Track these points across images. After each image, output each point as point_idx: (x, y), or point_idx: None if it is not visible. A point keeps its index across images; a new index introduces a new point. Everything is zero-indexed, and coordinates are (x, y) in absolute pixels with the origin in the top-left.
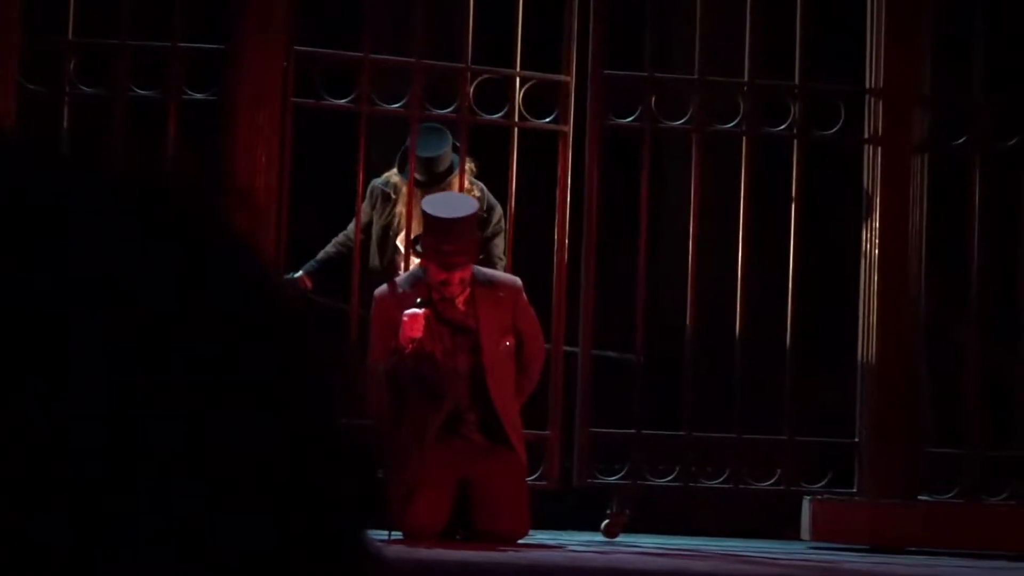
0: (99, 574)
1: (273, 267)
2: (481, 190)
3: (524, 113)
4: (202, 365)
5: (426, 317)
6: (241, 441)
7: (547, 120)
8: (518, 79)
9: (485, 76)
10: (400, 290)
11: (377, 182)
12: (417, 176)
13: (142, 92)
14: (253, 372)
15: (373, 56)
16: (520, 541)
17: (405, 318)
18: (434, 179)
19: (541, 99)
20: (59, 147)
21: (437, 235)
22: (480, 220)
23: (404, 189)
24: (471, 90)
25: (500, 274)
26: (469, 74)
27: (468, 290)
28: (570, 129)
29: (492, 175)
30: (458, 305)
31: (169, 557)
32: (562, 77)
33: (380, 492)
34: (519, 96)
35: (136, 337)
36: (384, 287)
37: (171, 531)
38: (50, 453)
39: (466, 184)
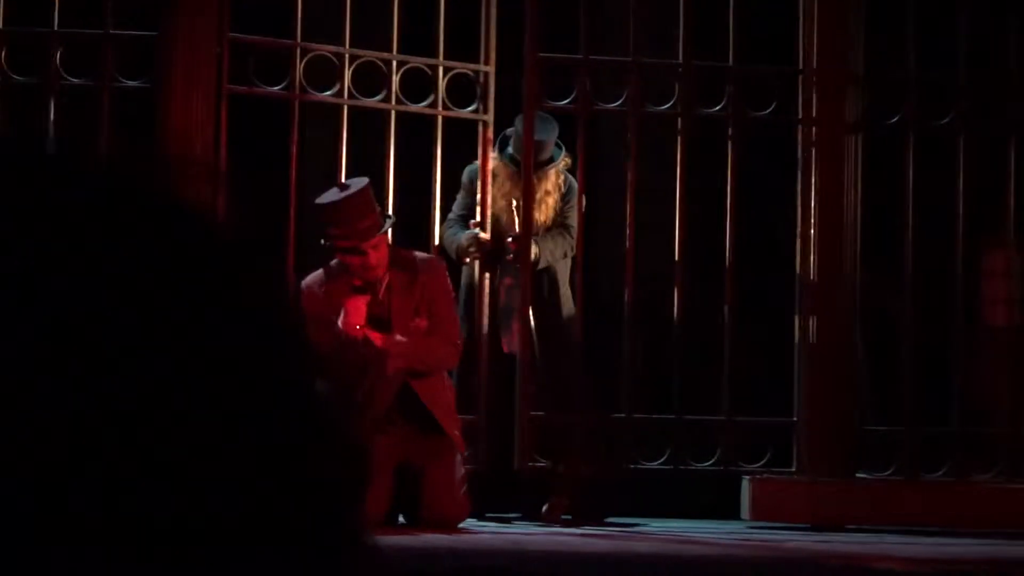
0: (102, 566)
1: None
2: (570, 186)
3: (447, 102)
4: (194, 361)
5: (365, 303)
6: (232, 430)
7: (469, 109)
8: (441, 68)
9: (410, 65)
10: (318, 283)
11: (470, 168)
12: (516, 156)
13: (75, 80)
14: (241, 359)
15: (304, 44)
16: (461, 525)
17: (346, 305)
18: (535, 165)
19: (469, 88)
20: (42, 145)
21: (338, 221)
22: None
23: (502, 172)
24: (397, 79)
25: (420, 254)
26: (395, 63)
27: (386, 276)
28: (491, 118)
29: (420, 164)
30: (378, 293)
31: (168, 548)
32: (482, 67)
33: (367, 475)
34: (443, 85)
35: (125, 332)
36: (309, 279)
37: (172, 525)
38: (52, 451)
39: (558, 178)
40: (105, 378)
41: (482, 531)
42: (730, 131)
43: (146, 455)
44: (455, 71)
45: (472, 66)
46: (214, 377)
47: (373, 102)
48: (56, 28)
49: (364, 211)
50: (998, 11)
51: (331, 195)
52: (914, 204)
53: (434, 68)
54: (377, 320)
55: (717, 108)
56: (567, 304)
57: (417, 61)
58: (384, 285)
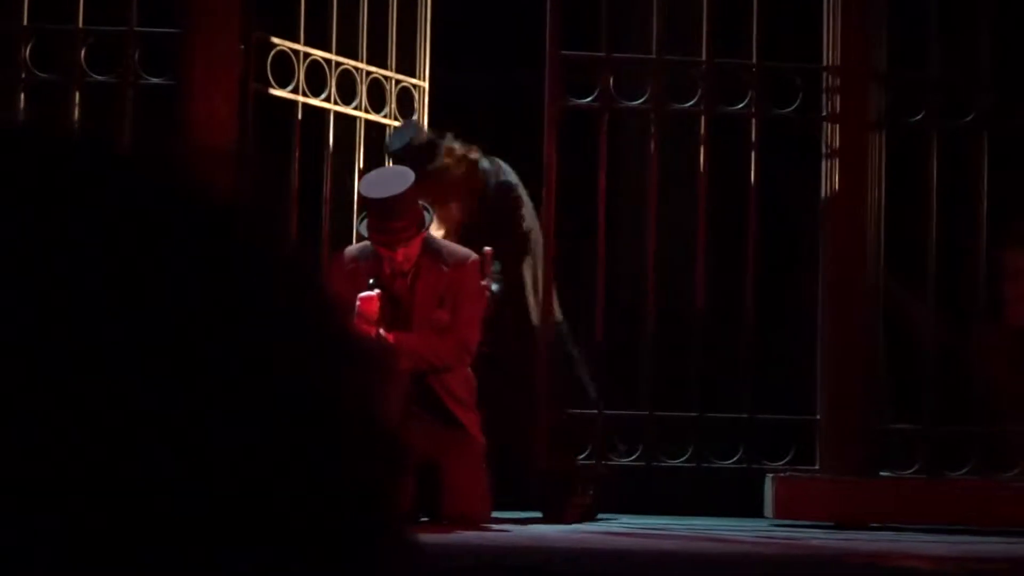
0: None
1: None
2: (484, 172)
3: (397, 113)
4: (244, 373)
5: (380, 298)
6: (273, 430)
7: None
8: (393, 80)
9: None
10: (352, 258)
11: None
12: None
13: (99, 77)
14: (282, 358)
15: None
16: (485, 523)
17: (360, 301)
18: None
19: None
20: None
21: (377, 215)
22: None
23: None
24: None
25: (454, 247)
26: (364, 73)
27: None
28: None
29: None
30: (405, 278)
31: (212, 549)
32: (417, 81)
33: (405, 473)
34: (393, 96)
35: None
36: (343, 254)
37: (219, 525)
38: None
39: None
40: (147, 375)
41: (504, 529)
42: (753, 128)
43: (191, 454)
44: (402, 84)
45: (411, 80)
46: (256, 377)
47: (349, 109)
48: (80, 25)
49: (403, 212)
50: (1021, 8)
51: (376, 187)
52: (937, 202)
53: (387, 79)
54: (396, 302)
55: (740, 105)
56: (534, 311)
57: (377, 72)
58: (412, 271)
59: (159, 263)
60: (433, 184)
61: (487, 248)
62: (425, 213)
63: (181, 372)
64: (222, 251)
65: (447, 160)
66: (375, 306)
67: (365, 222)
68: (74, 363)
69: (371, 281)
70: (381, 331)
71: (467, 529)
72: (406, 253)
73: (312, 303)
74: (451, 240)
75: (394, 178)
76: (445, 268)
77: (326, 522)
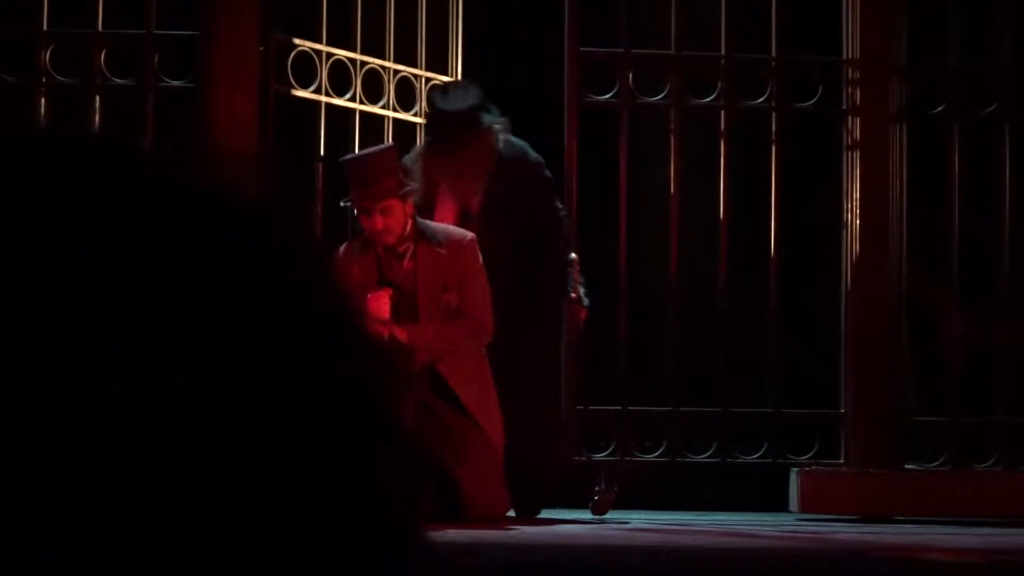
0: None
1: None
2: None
3: (396, 106)
4: (261, 370)
5: (391, 297)
6: (295, 431)
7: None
8: (423, 78)
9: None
10: (353, 250)
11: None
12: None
13: (118, 81)
14: (307, 371)
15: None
16: (510, 518)
17: (369, 300)
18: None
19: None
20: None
21: (352, 178)
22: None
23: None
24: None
25: (451, 228)
26: (392, 72)
27: (411, 247)
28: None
29: None
30: (404, 265)
31: (228, 545)
32: (448, 79)
33: (423, 482)
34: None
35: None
36: (342, 248)
37: (235, 524)
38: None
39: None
40: (175, 377)
41: (527, 525)
42: (773, 122)
43: (210, 454)
44: (433, 82)
45: (443, 78)
46: (277, 379)
47: (376, 108)
48: (100, 29)
49: (382, 174)
50: None
51: (354, 155)
52: (959, 194)
53: (417, 78)
54: (402, 293)
55: (760, 100)
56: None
57: (405, 71)
58: (409, 255)
59: (173, 264)
60: (473, 153)
61: (573, 255)
62: (409, 183)
63: (201, 374)
64: (239, 253)
65: (492, 128)
66: (386, 305)
67: (349, 200)
68: (95, 365)
69: (378, 280)
70: (393, 331)
71: (488, 526)
72: (386, 223)
73: (331, 305)
74: (475, 216)
75: (373, 148)
76: (442, 250)
77: (340, 523)
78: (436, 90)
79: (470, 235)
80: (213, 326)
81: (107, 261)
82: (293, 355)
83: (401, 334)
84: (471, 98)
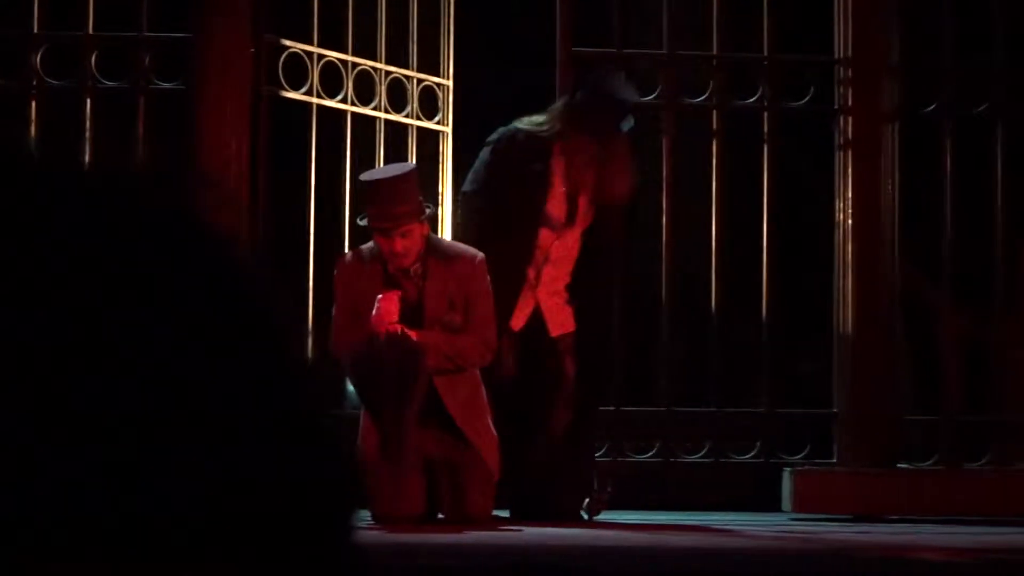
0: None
1: (252, 260)
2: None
3: (419, 113)
4: (179, 358)
5: (400, 299)
6: (217, 432)
7: (435, 120)
8: (415, 80)
9: (394, 76)
10: (359, 260)
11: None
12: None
13: (110, 83)
14: (226, 364)
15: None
16: (503, 519)
17: (379, 302)
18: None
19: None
20: (28, 146)
21: (375, 202)
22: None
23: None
24: (384, 89)
25: (461, 246)
26: (383, 73)
27: (419, 264)
28: (450, 129)
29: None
30: (411, 279)
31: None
32: (441, 80)
33: (357, 478)
34: (415, 96)
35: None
36: (348, 255)
37: (156, 524)
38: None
39: None
40: (99, 380)
41: (520, 527)
42: (766, 122)
43: (139, 456)
44: (425, 83)
45: (435, 79)
46: (206, 383)
47: (368, 111)
48: (90, 31)
49: (403, 196)
50: None
51: (375, 173)
52: (952, 192)
53: (409, 79)
54: (408, 308)
55: (752, 100)
56: None
57: (397, 72)
58: (419, 273)
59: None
60: (620, 148)
61: None
62: (427, 207)
63: (137, 379)
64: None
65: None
66: (395, 306)
67: (367, 218)
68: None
69: (390, 274)
70: (404, 330)
71: (481, 528)
72: (405, 245)
73: (248, 308)
74: (581, 212)
75: (395, 166)
76: (454, 268)
77: (270, 527)
78: (608, 74)
79: (480, 255)
80: (118, 329)
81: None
82: (204, 358)
83: (412, 334)
84: (631, 94)
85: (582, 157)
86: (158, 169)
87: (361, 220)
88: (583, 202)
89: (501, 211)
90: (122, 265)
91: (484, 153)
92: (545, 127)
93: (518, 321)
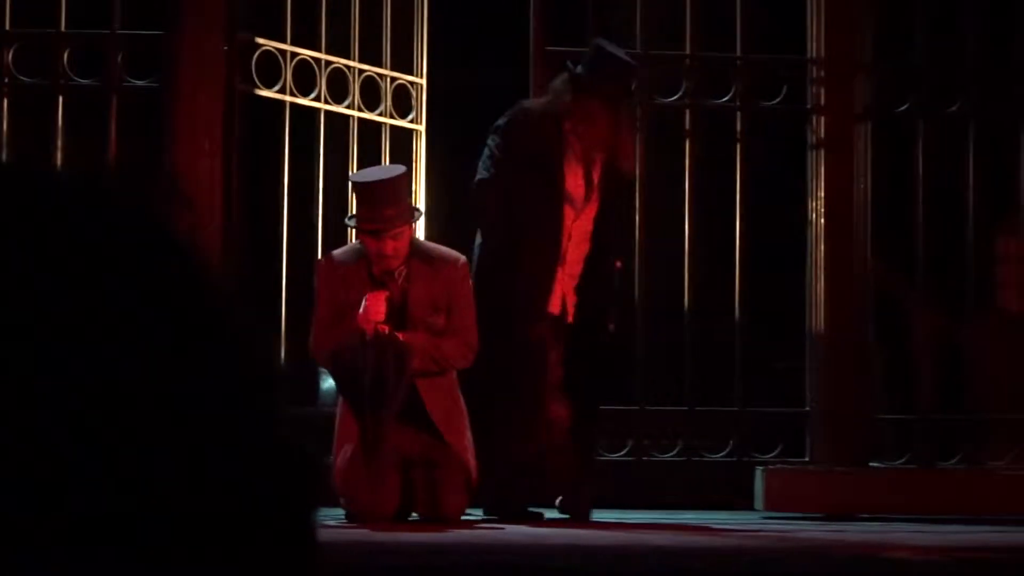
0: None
1: (210, 264)
2: None
3: (392, 111)
4: (137, 368)
5: (387, 299)
6: (173, 439)
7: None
8: (388, 78)
9: (367, 74)
10: (342, 262)
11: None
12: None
13: (82, 81)
14: (183, 370)
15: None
16: (479, 518)
17: (365, 301)
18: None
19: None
20: None
21: (367, 204)
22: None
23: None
24: (357, 88)
25: (444, 249)
26: (356, 72)
27: (403, 266)
28: (423, 128)
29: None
30: (396, 281)
31: (118, 544)
32: (414, 78)
33: (317, 480)
34: (389, 94)
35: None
36: (324, 258)
37: (120, 525)
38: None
39: None
40: (61, 381)
41: (497, 525)
42: (738, 121)
43: (104, 456)
44: (399, 81)
45: (408, 77)
46: (168, 386)
47: (341, 109)
48: (63, 29)
49: (396, 199)
50: None
51: (366, 175)
52: (924, 192)
53: (382, 77)
54: (392, 309)
55: (725, 99)
56: None
57: (371, 70)
58: (403, 276)
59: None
60: (630, 112)
61: None
62: (414, 212)
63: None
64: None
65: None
66: (383, 306)
67: (354, 219)
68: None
69: (375, 277)
70: (391, 330)
71: (457, 527)
72: (395, 247)
73: (217, 309)
74: (595, 185)
75: (386, 169)
76: (439, 270)
77: (230, 525)
78: (602, 40)
79: (463, 258)
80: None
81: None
82: (165, 362)
83: (399, 334)
84: (632, 61)
85: (597, 127)
86: (126, 171)
87: (349, 221)
88: (596, 177)
89: (524, 192)
90: (86, 269)
91: (493, 139)
92: (554, 103)
93: (554, 305)
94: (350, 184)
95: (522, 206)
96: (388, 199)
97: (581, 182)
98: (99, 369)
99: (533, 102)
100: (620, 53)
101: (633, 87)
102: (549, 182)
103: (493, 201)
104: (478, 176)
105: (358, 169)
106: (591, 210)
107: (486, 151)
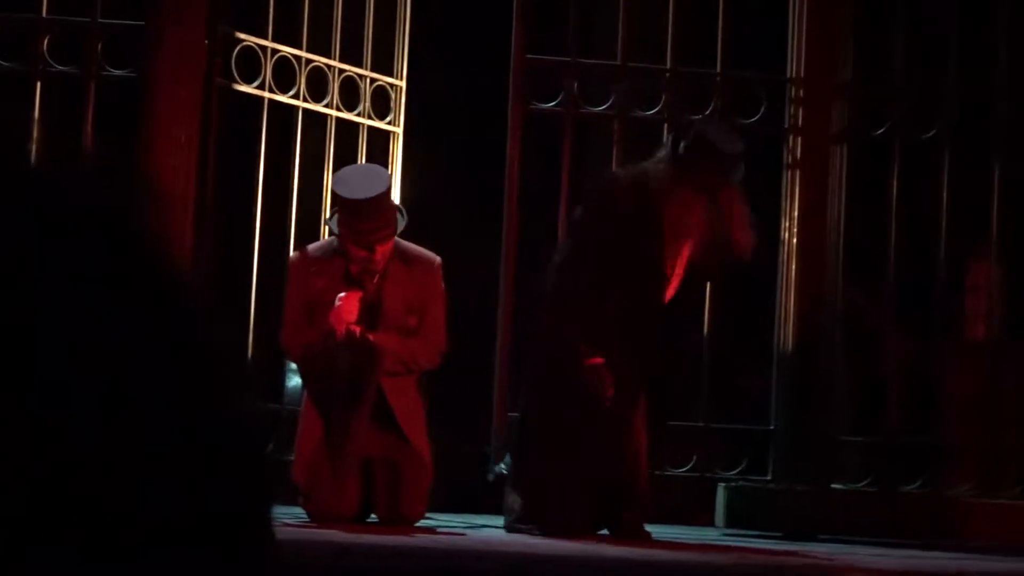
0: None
1: (183, 261)
2: None
3: (371, 112)
4: (100, 363)
5: (360, 300)
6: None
7: (386, 120)
8: (368, 79)
9: (346, 74)
10: (316, 257)
11: None
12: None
13: (61, 68)
14: (147, 367)
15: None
16: (432, 525)
17: (339, 300)
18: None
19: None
20: None
21: (353, 215)
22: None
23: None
24: (336, 87)
25: (420, 250)
26: (336, 71)
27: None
28: (401, 130)
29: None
30: (371, 280)
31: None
32: (394, 80)
33: (273, 477)
34: (368, 95)
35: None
36: (297, 253)
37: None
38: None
39: None
40: (29, 389)
41: (453, 531)
42: None
43: (54, 455)
44: (378, 83)
45: (388, 79)
46: (127, 382)
47: (319, 109)
48: (43, 15)
49: (382, 212)
50: (984, 25)
51: (354, 187)
52: (898, 215)
53: (362, 78)
54: (366, 308)
55: (704, 114)
56: None
57: (351, 71)
58: (379, 275)
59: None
60: (727, 203)
61: None
62: (400, 217)
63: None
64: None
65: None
66: (356, 306)
67: (336, 219)
68: None
69: (351, 276)
70: (364, 332)
71: (412, 531)
72: (382, 252)
73: (202, 344)
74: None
75: (371, 178)
76: (414, 271)
77: (188, 526)
78: (700, 122)
79: (437, 259)
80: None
81: None
82: (129, 360)
83: (371, 336)
84: (735, 142)
85: (690, 215)
86: (99, 163)
87: (331, 223)
88: (684, 258)
89: (624, 264)
90: (52, 265)
91: (579, 212)
92: (651, 182)
93: None
94: (332, 192)
95: (621, 282)
96: (374, 213)
97: (672, 260)
98: (55, 367)
99: (629, 172)
100: (724, 139)
101: (736, 175)
102: (649, 254)
103: (586, 280)
104: (558, 261)
105: (336, 168)
106: (671, 287)
107: (570, 229)
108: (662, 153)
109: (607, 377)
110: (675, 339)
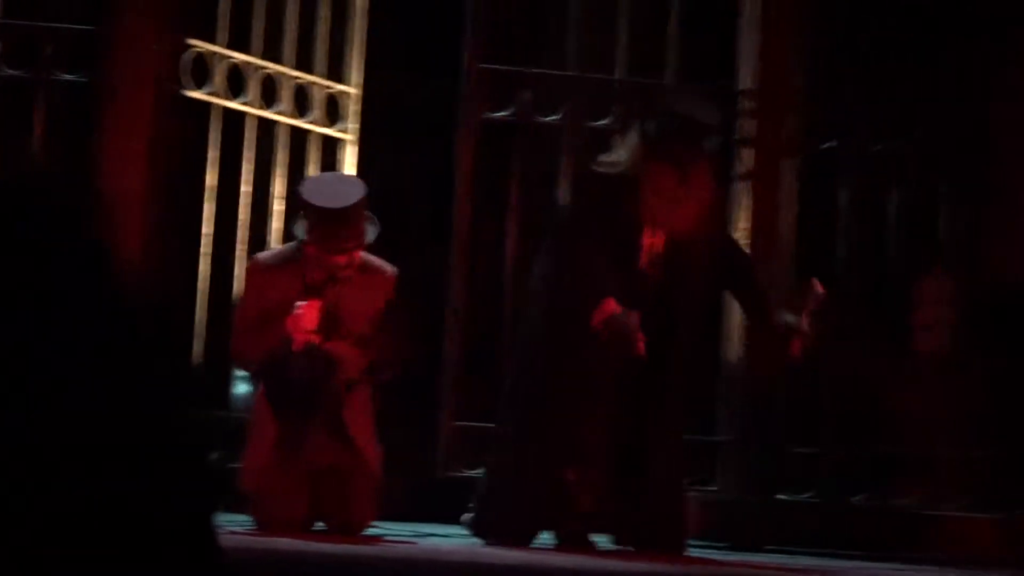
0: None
1: (129, 264)
2: None
3: (323, 119)
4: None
5: (320, 309)
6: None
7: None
8: (316, 87)
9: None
10: (272, 264)
11: None
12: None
13: (11, 72)
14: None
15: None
16: (380, 534)
17: (298, 309)
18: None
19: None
20: None
21: (329, 224)
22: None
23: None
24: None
25: (377, 260)
26: (288, 78)
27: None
28: (353, 137)
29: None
30: (331, 288)
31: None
32: (346, 87)
33: (217, 484)
34: (321, 102)
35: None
36: (264, 256)
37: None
38: None
39: None
40: None
41: (402, 540)
42: None
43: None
44: (330, 91)
45: (340, 86)
46: (73, 387)
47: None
48: None
49: (356, 221)
50: (938, 39)
51: (327, 196)
52: (849, 229)
53: (314, 85)
54: (324, 318)
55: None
56: None
57: (303, 78)
58: (339, 282)
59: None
60: (705, 176)
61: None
62: (372, 225)
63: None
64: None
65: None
66: (316, 315)
67: (303, 225)
68: None
69: (309, 286)
70: (322, 342)
71: (357, 539)
72: (350, 258)
73: (156, 346)
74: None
75: (345, 186)
76: (369, 281)
77: (137, 533)
78: (670, 92)
79: (392, 269)
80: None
81: None
82: (75, 367)
83: (329, 346)
84: (715, 114)
85: (665, 194)
86: (48, 169)
87: (297, 230)
88: (657, 246)
89: (605, 262)
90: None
91: (556, 215)
92: (620, 166)
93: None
94: (304, 202)
95: (605, 279)
96: (352, 221)
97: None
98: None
99: (601, 163)
100: (698, 111)
101: (710, 146)
102: (629, 247)
103: (570, 286)
104: (539, 272)
105: (290, 176)
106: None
107: (547, 240)
108: (632, 136)
109: (633, 324)
110: (663, 336)
